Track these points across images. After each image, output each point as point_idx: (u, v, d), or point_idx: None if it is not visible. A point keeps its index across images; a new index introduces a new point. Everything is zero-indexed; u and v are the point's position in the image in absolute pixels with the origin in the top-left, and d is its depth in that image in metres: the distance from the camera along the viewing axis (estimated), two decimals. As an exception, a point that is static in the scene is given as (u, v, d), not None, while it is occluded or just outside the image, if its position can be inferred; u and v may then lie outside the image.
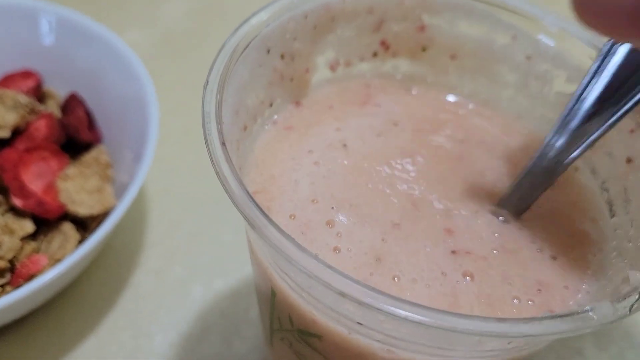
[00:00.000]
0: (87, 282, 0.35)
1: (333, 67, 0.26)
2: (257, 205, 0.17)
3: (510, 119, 0.25)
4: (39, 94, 0.40)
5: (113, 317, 0.34)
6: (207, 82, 0.19)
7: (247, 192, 0.17)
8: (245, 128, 0.22)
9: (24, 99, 0.37)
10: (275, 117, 0.24)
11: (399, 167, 0.23)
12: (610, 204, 0.23)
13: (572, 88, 0.24)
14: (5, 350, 0.32)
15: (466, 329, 0.15)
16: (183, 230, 0.38)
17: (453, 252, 0.20)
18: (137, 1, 0.55)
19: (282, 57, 0.23)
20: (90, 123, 0.38)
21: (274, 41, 0.23)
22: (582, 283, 0.21)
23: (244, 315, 0.34)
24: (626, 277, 0.17)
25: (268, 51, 0.23)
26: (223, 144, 0.18)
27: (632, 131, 0.22)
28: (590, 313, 0.15)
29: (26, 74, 0.40)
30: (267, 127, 0.24)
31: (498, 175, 0.23)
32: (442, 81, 0.27)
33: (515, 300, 0.20)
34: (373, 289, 0.15)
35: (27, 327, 0.33)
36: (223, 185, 0.17)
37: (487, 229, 0.21)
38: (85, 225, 0.34)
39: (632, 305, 0.16)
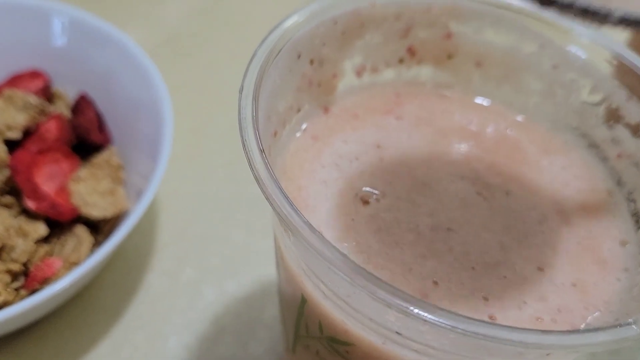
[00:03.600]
0: (99, 285, 0.35)
1: (359, 73, 0.25)
2: (300, 213, 0.16)
3: (542, 129, 0.26)
4: (48, 95, 0.39)
5: (126, 320, 0.34)
6: (242, 87, 0.19)
7: (289, 199, 0.17)
8: (275, 134, 0.22)
9: (34, 99, 0.37)
10: (304, 125, 0.24)
11: (428, 183, 0.23)
12: (636, 216, 0.23)
13: (598, 98, 0.25)
14: (18, 354, 0.31)
15: (515, 340, 0.15)
16: (194, 231, 0.38)
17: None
18: (140, 1, 0.54)
19: (312, 62, 0.23)
20: (101, 124, 0.38)
21: (304, 46, 0.22)
22: (604, 304, 0.21)
23: (259, 316, 0.34)
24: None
25: (299, 56, 0.22)
26: (262, 150, 0.18)
27: (659, 141, 0.23)
28: (634, 326, 0.15)
29: (34, 74, 0.40)
30: (297, 135, 0.23)
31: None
32: (468, 88, 0.27)
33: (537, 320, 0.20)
34: (423, 301, 0.15)
35: (40, 331, 0.32)
36: (264, 191, 0.17)
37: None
38: (97, 228, 0.34)
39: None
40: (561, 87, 0.26)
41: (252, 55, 0.20)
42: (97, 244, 0.33)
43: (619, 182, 0.24)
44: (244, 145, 0.18)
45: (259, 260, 0.37)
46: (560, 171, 0.25)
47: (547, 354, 0.17)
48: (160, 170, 0.33)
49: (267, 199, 0.17)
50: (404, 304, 0.15)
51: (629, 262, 0.22)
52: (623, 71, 0.24)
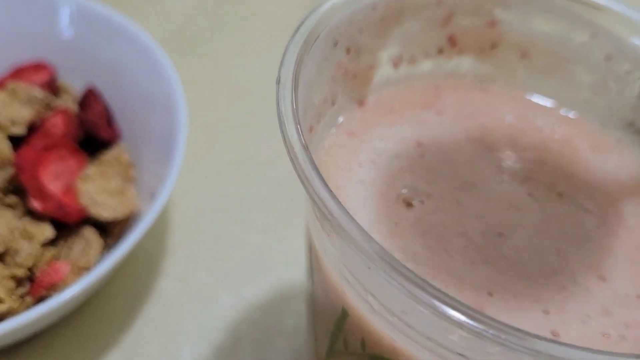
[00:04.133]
0: (107, 290, 0.32)
1: (396, 64, 0.24)
2: (351, 217, 0.14)
3: (594, 126, 0.24)
4: (53, 88, 0.37)
5: (137, 328, 0.32)
6: (279, 77, 0.17)
7: (337, 200, 0.15)
8: (311, 129, 0.20)
9: (39, 93, 0.35)
10: (339, 119, 0.22)
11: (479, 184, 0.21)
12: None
13: (657, 91, 0.23)
14: (23, 364, 0.29)
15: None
16: (207, 233, 0.36)
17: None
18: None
19: (348, 51, 0.21)
20: (109, 119, 0.36)
21: (342, 33, 0.20)
22: None
23: (277, 325, 0.32)
24: None
25: (335, 44, 0.20)
26: (306, 146, 0.16)
27: None
28: None
29: (39, 67, 0.38)
30: (332, 131, 0.21)
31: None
32: (512, 81, 0.25)
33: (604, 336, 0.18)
34: (496, 321, 0.13)
35: (45, 340, 0.30)
36: (309, 191, 0.15)
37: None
38: (106, 230, 0.32)
39: None
40: (614, 80, 0.24)
41: (288, 42, 0.18)
42: (106, 246, 0.31)
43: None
44: (285, 140, 0.16)
45: (278, 264, 0.35)
46: (614, 170, 0.23)
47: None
48: (174, 169, 0.31)
49: (312, 199, 0.15)
50: (480, 327, 0.13)
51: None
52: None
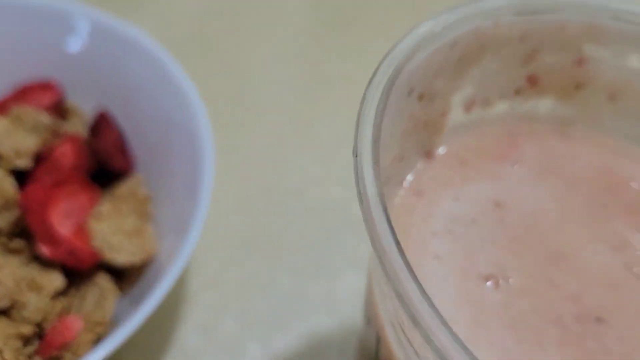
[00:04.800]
0: (124, 345, 0.29)
1: (468, 108, 0.20)
2: (434, 307, 0.11)
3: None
4: (61, 111, 0.34)
5: (157, 386, 0.28)
6: (355, 148, 0.14)
7: (418, 281, 0.12)
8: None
9: (46, 118, 0.31)
10: (408, 175, 0.19)
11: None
12: None
13: None
14: None
15: None
16: (232, 275, 0.33)
17: None
18: (151, 2, 0.49)
19: (421, 98, 0.18)
20: (124, 147, 0.33)
21: (417, 79, 0.17)
22: None
23: (312, 383, 0.29)
24: None
25: (409, 92, 0.17)
26: (398, 242, 0.12)
27: None
28: None
29: (45, 86, 0.34)
30: (399, 192, 0.18)
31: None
32: (596, 126, 0.21)
33: None
34: None
35: (55, 401, 0.27)
36: (395, 289, 0.12)
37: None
38: (120, 276, 0.29)
39: None
40: None
41: (362, 100, 0.15)
42: (121, 292, 0.28)
43: None
44: (369, 229, 0.13)
45: (311, 309, 0.31)
46: None
47: None
48: (202, 205, 0.28)
49: (397, 295, 0.12)
50: None
51: None
52: None
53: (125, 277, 0.28)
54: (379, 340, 0.17)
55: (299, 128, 0.41)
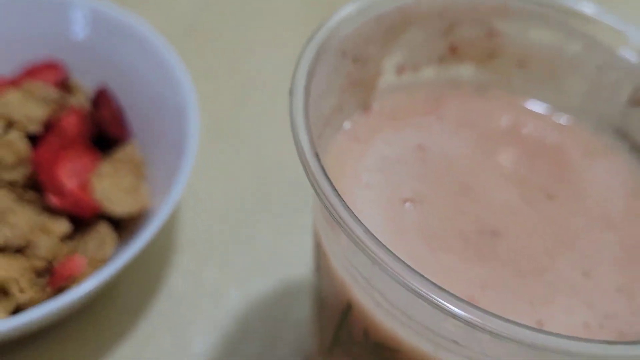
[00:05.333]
0: (122, 285, 0.34)
1: (400, 71, 0.25)
2: (361, 223, 0.16)
3: (585, 132, 0.25)
4: (66, 87, 0.38)
5: (149, 321, 0.33)
6: (291, 89, 0.19)
7: (348, 207, 0.16)
8: (320, 135, 0.21)
9: (53, 92, 0.36)
10: (345, 125, 0.23)
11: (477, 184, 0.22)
12: (684, 220, 0.23)
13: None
14: (41, 354, 0.31)
15: (559, 348, 0.14)
16: (217, 231, 0.37)
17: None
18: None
19: (355, 60, 0.23)
20: (121, 118, 0.37)
21: (349, 44, 0.22)
22: None
23: (284, 317, 0.34)
24: None
25: (343, 55, 0.22)
26: (317, 156, 0.17)
27: None
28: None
29: (52, 66, 0.39)
30: (338, 137, 0.23)
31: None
32: (509, 89, 0.26)
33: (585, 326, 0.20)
34: (484, 311, 0.15)
35: (63, 331, 0.32)
36: (320, 196, 0.16)
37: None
38: (119, 225, 0.33)
39: None
40: (605, 89, 0.25)
41: (299, 55, 0.19)
42: (119, 241, 0.33)
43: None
44: (297, 149, 0.17)
45: (285, 260, 0.36)
46: (604, 175, 0.24)
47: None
48: (186, 167, 0.32)
49: (323, 203, 0.17)
50: (470, 317, 0.14)
51: (679, 269, 0.22)
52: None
53: (122, 226, 0.33)
54: (318, 246, 0.22)
55: (282, 107, 0.45)
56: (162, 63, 0.37)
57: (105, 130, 0.36)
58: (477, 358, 0.18)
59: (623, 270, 0.21)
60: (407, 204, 0.22)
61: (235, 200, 0.39)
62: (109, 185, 0.33)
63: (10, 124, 0.33)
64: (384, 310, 0.18)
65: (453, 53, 0.25)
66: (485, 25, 0.25)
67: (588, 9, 0.24)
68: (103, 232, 0.32)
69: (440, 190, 0.23)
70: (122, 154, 0.35)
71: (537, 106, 0.26)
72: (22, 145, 0.32)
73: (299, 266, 0.36)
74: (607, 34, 0.24)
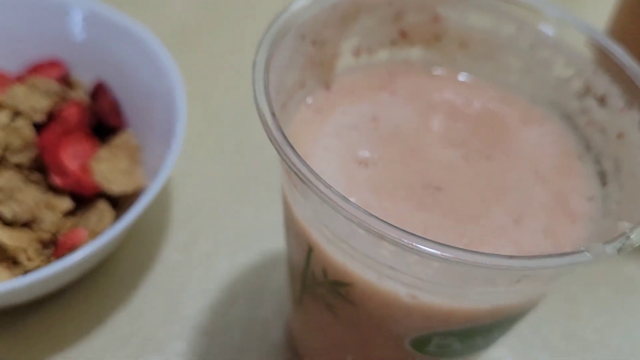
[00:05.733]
0: (119, 257, 0.38)
1: (356, 54, 0.28)
2: (307, 165, 0.19)
3: (522, 103, 0.29)
4: (67, 83, 0.42)
5: (145, 288, 0.37)
6: (254, 62, 0.22)
7: (298, 154, 0.20)
8: (283, 105, 0.25)
9: (55, 86, 0.39)
10: (308, 99, 0.27)
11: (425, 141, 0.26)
12: (602, 175, 0.26)
13: (570, 73, 0.28)
14: (47, 318, 0.34)
15: (480, 262, 0.18)
16: (206, 208, 0.41)
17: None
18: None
19: (314, 43, 0.26)
20: (117, 109, 0.41)
21: (308, 29, 0.25)
22: (571, 248, 0.24)
23: (267, 284, 0.37)
24: (615, 227, 0.20)
25: (303, 37, 0.25)
26: (273, 114, 0.21)
27: (622, 110, 0.26)
28: (586, 252, 0.18)
29: (53, 64, 0.43)
30: (301, 108, 0.26)
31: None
32: (454, 67, 0.30)
33: None
34: (409, 232, 0.18)
35: (66, 298, 0.35)
36: (277, 148, 0.20)
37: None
38: (117, 204, 0.37)
39: (620, 248, 0.19)
40: (537, 65, 0.29)
41: (262, 35, 0.23)
42: (117, 217, 0.36)
43: (587, 147, 0.27)
44: (258, 110, 0.21)
45: (267, 234, 0.40)
46: (537, 138, 0.28)
47: (517, 281, 0.20)
48: (175, 150, 0.36)
49: (279, 153, 0.20)
50: (394, 234, 0.18)
51: (594, 214, 0.25)
52: (595, 49, 0.27)
53: (120, 204, 0.37)
54: (284, 202, 0.25)
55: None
56: (154, 59, 0.40)
57: (103, 120, 0.40)
58: (411, 282, 0.21)
59: (548, 215, 0.25)
60: (361, 165, 0.25)
61: (221, 180, 0.42)
62: (107, 168, 0.37)
63: (16, 114, 0.37)
64: (335, 246, 0.22)
65: (403, 37, 0.29)
66: (429, 12, 0.28)
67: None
68: (102, 209, 0.36)
69: (391, 152, 0.26)
70: (119, 140, 0.39)
71: (478, 82, 0.30)
72: (28, 131, 0.36)
73: (280, 238, 0.39)
74: (534, 16, 0.27)
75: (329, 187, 0.19)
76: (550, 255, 0.18)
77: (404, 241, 0.18)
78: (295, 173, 0.19)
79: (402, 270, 0.20)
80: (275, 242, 0.39)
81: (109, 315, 0.35)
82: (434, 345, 0.25)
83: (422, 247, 0.18)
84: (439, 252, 0.18)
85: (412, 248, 0.18)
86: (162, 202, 0.41)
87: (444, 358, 0.26)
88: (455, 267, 0.19)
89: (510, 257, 0.18)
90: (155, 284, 0.37)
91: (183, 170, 0.42)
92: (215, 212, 0.41)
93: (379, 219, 0.18)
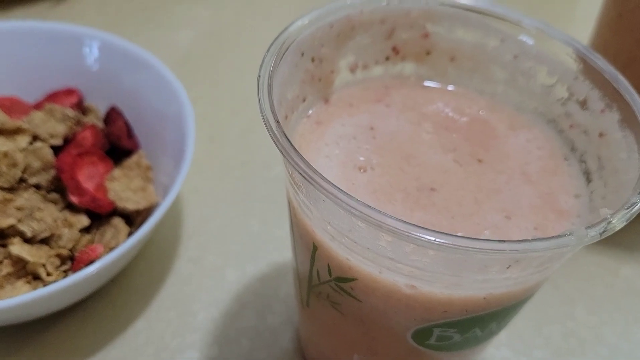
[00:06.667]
0: (134, 271, 0.39)
1: (353, 70, 0.31)
2: (310, 165, 0.21)
3: (508, 110, 0.31)
4: (82, 109, 0.45)
5: (159, 300, 0.38)
6: (258, 76, 0.24)
7: (301, 155, 0.22)
8: (286, 117, 0.27)
9: (70, 112, 0.42)
10: (309, 112, 0.29)
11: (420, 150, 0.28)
12: (587, 173, 0.28)
13: (553, 80, 0.30)
14: (65, 330, 0.36)
15: (472, 246, 0.19)
16: (214, 224, 0.43)
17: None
18: (155, 27, 0.60)
19: (313, 60, 0.28)
20: (130, 132, 0.43)
21: (306, 46, 0.28)
22: None
23: (275, 294, 0.39)
24: (597, 214, 0.22)
25: (302, 54, 0.28)
26: (277, 121, 0.23)
27: (602, 111, 0.28)
28: (570, 236, 0.20)
29: (69, 92, 0.45)
30: (303, 121, 0.28)
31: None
32: (444, 79, 0.32)
33: None
34: (404, 221, 0.20)
35: (84, 311, 0.37)
36: (282, 151, 0.22)
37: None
38: (131, 221, 0.39)
39: (602, 232, 0.20)
40: (522, 74, 0.31)
41: (265, 51, 0.25)
42: (131, 233, 0.38)
43: (572, 148, 0.29)
44: (263, 117, 0.23)
45: (274, 246, 0.41)
46: (525, 143, 0.30)
47: (508, 267, 0.22)
48: (184, 169, 0.38)
49: (284, 155, 0.22)
50: (391, 223, 0.19)
51: (581, 210, 0.27)
52: (575, 56, 0.29)
53: (133, 220, 0.38)
54: (289, 205, 0.27)
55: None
56: (164, 85, 0.43)
57: (116, 143, 0.42)
58: (409, 272, 0.23)
59: (537, 213, 0.27)
60: (360, 170, 0.27)
61: (229, 196, 0.44)
62: (120, 187, 0.39)
63: (35, 138, 0.39)
64: (338, 242, 0.24)
65: (396, 53, 0.31)
66: (419, 28, 0.31)
67: (499, 9, 0.30)
68: (117, 225, 0.37)
69: (387, 158, 0.28)
70: (131, 161, 0.41)
71: (468, 92, 0.32)
72: (46, 154, 0.38)
73: (286, 250, 0.41)
74: (515, 29, 0.29)
75: (330, 183, 0.20)
76: (537, 239, 0.20)
77: (400, 229, 0.20)
78: (300, 173, 0.21)
79: (401, 261, 0.22)
80: (282, 254, 0.41)
81: (124, 326, 0.36)
82: (435, 338, 0.26)
83: (418, 234, 0.19)
84: (432, 239, 0.19)
85: (408, 236, 0.20)
86: (173, 218, 0.42)
87: (446, 352, 0.27)
88: (450, 255, 0.21)
89: (501, 241, 0.20)
90: (167, 296, 0.38)
91: (191, 188, 0.44)
92: (223, 226, 0.42)
93: (376, 209, 0.20)
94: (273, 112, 0.23)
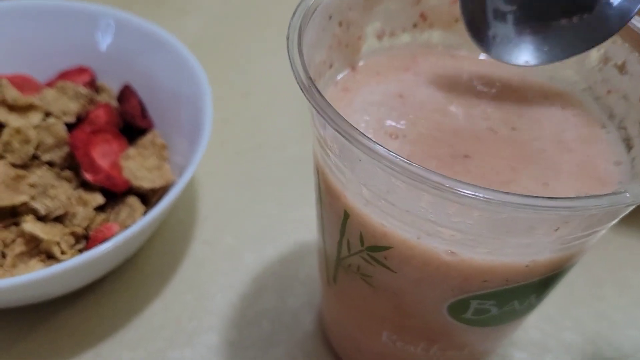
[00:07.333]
0: (149, 253, 0.38)
1: (380, 37, 0.30)
2: (346, 120, 0.20)
3: (543, 78, 0.29)
4: (94, 87, 0.43)
5: (175, 282, 0.37)
6: (288, 34, 0.23)
7: (337, 111, 0.20)
8: (314, 82, 0.26)
9: (83, 90, 0.41)
10: (336, 78, 0.28)
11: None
12: (627, 140, 0.27)
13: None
14: (81, 311, 0.35)
15: (521, 203, 0.18)
16: (229, 206, 0.42)
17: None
18: (166, 12, 0.59)
19: (340, 24, 0.27)
20: (144, 111, 0.42)
21: (334, 9, 0.26)
22: None
23: (295, 275, 0.37)
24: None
25: (330, 17, 0.26)
26: (309, 77, 0.22)
27: (642, 75, 0.26)
28: (625, 193, 0.19)
29: (81, 70, 0.44)
30: (330, 88, 0.27)
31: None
32: (473, 48, 0.30)
33: None
34: (450, 178, 0.18)
35: (98, 293, 0.36)
36: (316, 107, 0.21)
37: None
38: (146, 200, 0.38)
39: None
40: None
41: (293, 12, 0.24)
42: (146, 213, 0.37)
43: (610, 115, 0.28)
44: (295, 74, 0.22)
45: (293, 228, 0.40)
46: (560, 110, 0.29)
47: (556, 229, 0.21)
48: (201, 148, 0.36)
49: (318, 112, 0.21)
50: (436, 178, 0.18)
51: (623, 177, 0.25)
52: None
53: (149, 199, 0.37)
54: (317, 173, 0.26)
55: (281, 101, 0.50)
56: (181, 63, 0.42)
57: (130, 121, 0.41)
58: (450, 237, 0.21)
59: (577, 181, 0.25)
60: (391, 136, 0.26)
61: (246, 178, 0.43)
62: (135, 165, 0.38)
63: (47, 115, 0.38)
64: (373, 206, 0.22)
65: (424, 19, 0.30)
66: (449, -6, 0.29)
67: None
68: (133, 204, 0.36)
69: (418, 126, 0.27)
70: (146, 139, 0.40)
71: (498, 61, 0.30)
72: (60, 129, 0.37)
73: (304, 231, 0.40)
74: None
75: (370, 139, 0.19)
76: (591, 196, 0.19)
77: (446, 185, 0.18)
78: (337, 130, 0.20)
79: (442, 224, 0.21)
80: (301, 234, 0.40)
81: (140, 308, 0.35)
82: (472, 312, 0.25)
83: (464, 190, 0.18)
84: (481, 195, 0.18)
85: (454, 192, 0.18)
86: (189, 199, 0.41)
87: (482, 327, 0.26)
88: (496, 215, 0.20)
89: (552, 198, 0.19)
90: (184, 278, 0.37)
91: (207, 170, 0.43)
92: (239, 209, 0.41)
93: (419, 166, 0.19)
94: (305, 69, 0.22)
